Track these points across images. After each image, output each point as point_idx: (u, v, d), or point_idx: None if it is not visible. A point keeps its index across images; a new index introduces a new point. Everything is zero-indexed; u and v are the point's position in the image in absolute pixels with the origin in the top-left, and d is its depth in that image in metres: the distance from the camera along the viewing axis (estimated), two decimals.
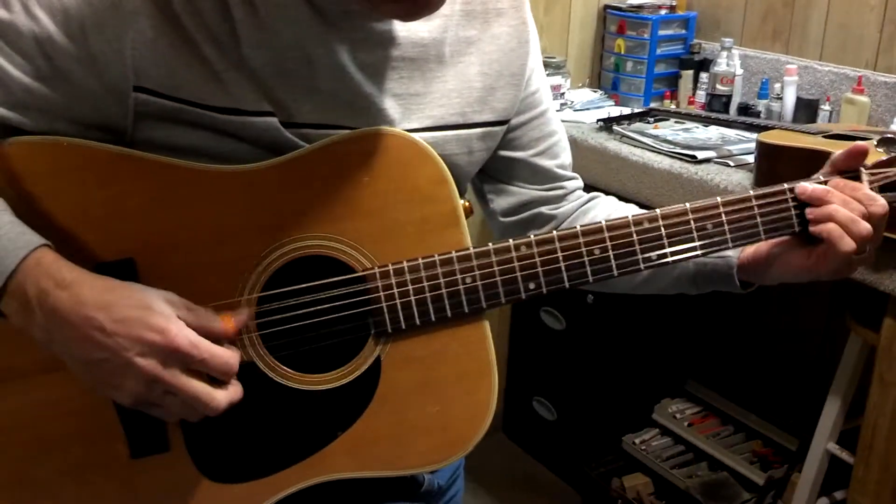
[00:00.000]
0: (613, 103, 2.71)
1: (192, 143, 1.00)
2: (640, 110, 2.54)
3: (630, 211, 1.12)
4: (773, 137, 2.00)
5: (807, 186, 1.03)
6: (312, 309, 1.00)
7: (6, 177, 0.96)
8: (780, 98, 2.48)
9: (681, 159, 2.19)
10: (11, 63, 0.95)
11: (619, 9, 2.72)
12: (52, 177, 0.96)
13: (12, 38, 0.95)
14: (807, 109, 2.42)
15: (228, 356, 0.92)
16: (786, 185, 1.04)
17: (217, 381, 0.93)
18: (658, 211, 1.03)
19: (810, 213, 1.03)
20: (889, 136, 1.10)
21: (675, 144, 2.25)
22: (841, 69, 2.44)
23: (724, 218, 1.03)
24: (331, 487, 1.02)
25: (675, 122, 2.46)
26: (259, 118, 1.00)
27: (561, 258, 1.02)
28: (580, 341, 2.59)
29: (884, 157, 1.05)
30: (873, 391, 1.88)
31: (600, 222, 1.03)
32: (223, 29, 0.98)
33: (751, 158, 2.14)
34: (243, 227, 0.99)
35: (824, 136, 1.95)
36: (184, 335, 0.90)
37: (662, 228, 1.03)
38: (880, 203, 1.01)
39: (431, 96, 1.09)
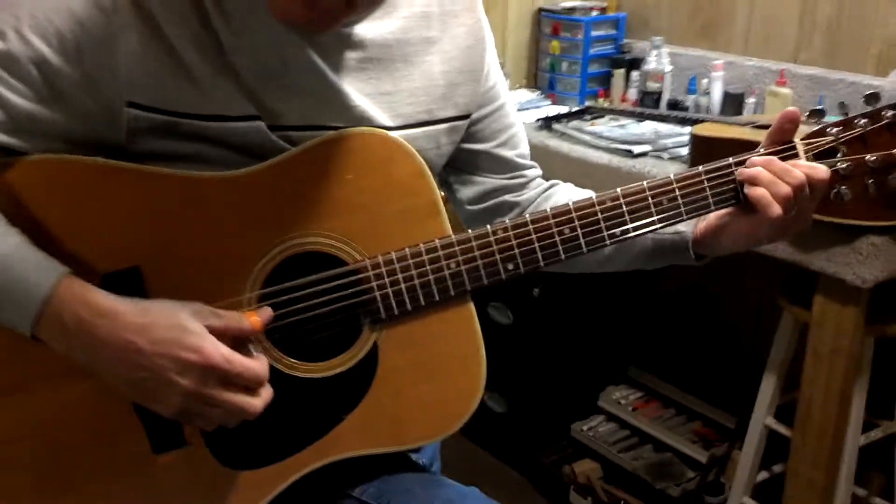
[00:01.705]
0: (550, 102, 2.79)
1: (184, 152, 1.05)
2: (578, 108, 2.62)
3: (588, 195, 1.21)
4: (706, 130, 2.11)
5: (755, 159, 1.11)
6: (311, 302, 1.06)
7: (10, 197, 1.00)
8: (708, 93, 2.57)
9: (618, 154, 2.28)
10: (12, 91, 0.99)
11: (553, 11, 2.80)
12: (53, 193, 1.01)
13: (10, 67, 0.99)
14: (733, 103, 2.52)
15: (258, 366, 0.99)
16: (731, 160, 1.12)
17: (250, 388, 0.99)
18: (619, 190, 1.11)
19: (739, 175, 1.11)
20: (817, 108, 1.19)
21: (612, 140, 2.33)
22: (764, 63, 2.54)
23: (677, 193, 1.11)
24: (338, 466, 1.08)
25: (611, 118, 2.54)
26: (245, 123, 1.05)
27: (535, 239, 1.09)
28: (527, 335, 2.65)
29: (815, 129, 1.15)
30: (807, 365, 1.97)
31: (567, 204, 1.10)
32: (204, 37, 1.03)
33: (684, 151, 2.24)
34: (239, 229, 1.05)
35: (752, 127, 2.06)
36: (218, 352, 0.96)
37: (624, 206, 1.11)
38: (820, 170, 1.09)
39: (400, 95, 1.16)
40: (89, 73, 1.00)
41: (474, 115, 1.25)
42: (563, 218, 1.09)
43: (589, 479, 2.55)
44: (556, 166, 2.40)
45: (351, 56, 1.11)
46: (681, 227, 1.19)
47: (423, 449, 1.27)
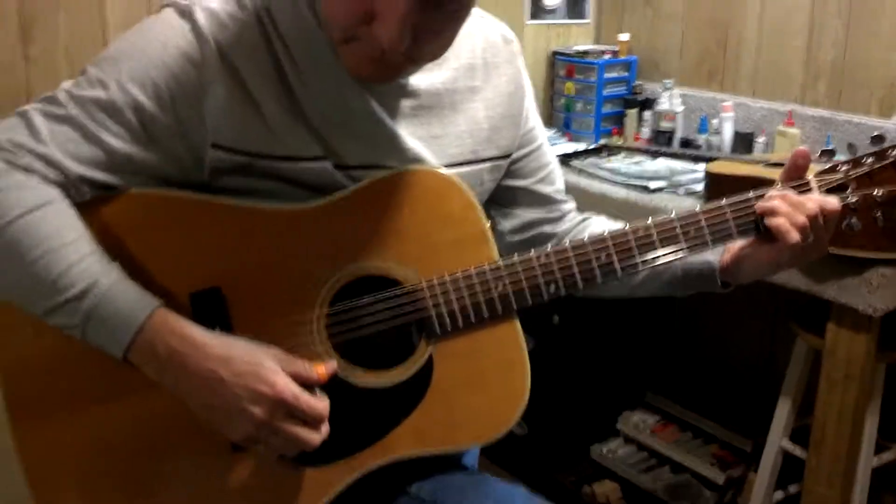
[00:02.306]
0: (567, 141, 2.89)
1: (259, 188, 1.17)
2: (594, 146, 2.73)
3: (621, 226, 1.31)
4: (719, 168, 2.21)
5: (773, 192, 1.21)
6: (374, 318, 1.17)
7: (110, 226, 1.13)
8: (719, 132, 2.67)
9: (635, 189, 2.37)
10: (112, 135, 1.11)
11: (567, 54, 2.91)
12: (147, 222, 1.14)
13: (112, 113, 1.11)
14: (744, 142, 2.62)
15: (321, 406, 1.09)
16: (751, 193, 1.22)
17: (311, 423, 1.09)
18: (650, 220, 1.21)
19: (758, 208, 1.20)
20: (828, 148, 1.30)
21: (629, 176, 2.44)
22: (772, 104, 2.65)
23: (703, 223, 1.21)
24: (396, 466, 1.19)
25: (625, 156, 2.65)
26: (315, 163, 1.17)
27: (575, 265, 1.20)
28: (547, 360, 2.72)
29: (827, 166, 1.26)
30: (821, 390, 2.02)
31: (604, 231, 1.20)
32: (280, 88, 1.15)
33: (698, 187, 2.34)
34: (308, 255, 1.16)
35: (765, 165, 2.16)
36: (289, 389, 1.07)
37: (655, 234, 1.21)
38: (831, 202, 1.19)
39: (448, 138, 1.28)
40: (180, 119, 1.12)
41: (514, 155, 1.36)
42: (600, 245, 1.20)
43: (608, 499, 2.61)
44: (577, 200, 2.49)
45: (405, 104, 1.23)
46: (708, 256, 1.29)
47: (466, 454, 1.37)
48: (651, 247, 1.21)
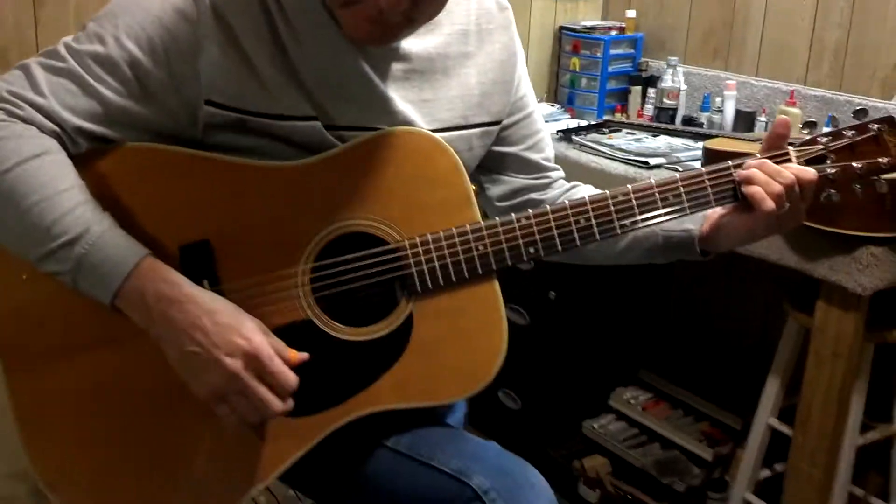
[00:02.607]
0: (570, 116, 2.90)
1: (251, 146, 1.20)
2: (596, 122, 2.74)
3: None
4: (718, 144, 2.23)
5: (751, 161, 1.24)
6: (357, 275, 1.20)
7: (105, 178, 1.16)
8: (721, 111, 2.69)
9: (635, 165, 2.39)
10: (109, 88, 1.14)
11: (574, 30, 2.92)
12: (140, 175, 1.17)
13: (109, 68, 1.14)
14: (745, 120, 2.63)
15: (291, 376, 1.12)
16: (730, 162, 1.25)
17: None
18: (629, 186, 1.24)
19: (737, 174, 1.23)
20: (810, 119, 1.32)
21: (629, 152, 2.46)
22: (775, 84, 2.66)
23: (682, 190, 1.24)
24: (375, 419, 1.22)
25: (627, 132, 2.67)
26: (306, 122, 1.20)
27: (554, 227, 1.22)
28: (542, 336, 2.75)
29: (807, 138, 1.28)
30: (809, 367, 2.05)
31: (584, 197, 1.23)
32: (274, 48, 1.18)
33: (697, 164, 2.36)
34: (296, 211, 1.19)
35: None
36: (266, 348, 1.10)
37: (634, 200, 1.23)
38: (808, 171, 1.22)
39: (439, 102, 1.30)
40: (175, 74, 1.15)
41: (505, 122, 1.39)
42: (580, 209, 1.23)
43: (598, 474, 2.64)
44: (576, 176, 2.49)
45: (397, 67, 1.26)
46: (688, 225, 1.32)
47: (452, 412, 1.40)
48: (629, 212, 1.23)
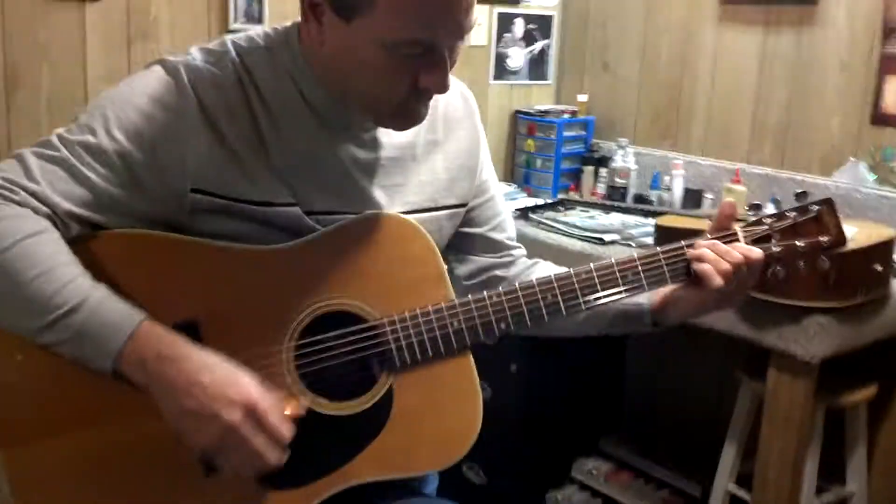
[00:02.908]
0: (526, 195, 3.00)
1: (236, 230, 1.26)
2: (552, 200, 2.85)
3: (566, 270, 1.40)
4: (668, 221, 2.33)
5: (701, 242, 1.32)
6: (338, 351, 1.26)
7: (96, 262, 1.21)
8: (670, 189, 2.81)
9: (591, 241, 2.50)
10: (99, 176, 1.21)
11: (529, 113, 3.05)
12: (130, 260, 1.22)
13: (99, 157, 1.21)
14: (693, 198, 2.76)
15: (286, 429, 1.17)
16: (683, 242, 1.34)
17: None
18: (592, 265, 1.32)
19: (689, 254, 1.31)
20: (755, 203, 1.42)
21: (584, 229, 2.56)
22: (720, 163, 2.79)
23: (640, 268, 1.32)
24: (357, 490, 1.27)
25: (581, 210, 2.77)
26: (286, 208, 1.27)
27: (523, 303, 1.30)
28: (505, 409, 2.78)
29: (753, 219, 1.38)
30: (763, 432, 2.14)
31: (550, 275, 1.31)
32: (254, 139, 1.26)
33: (649, 239, 2.46)
34: (279, 292, 1.25)
35: (710, 219, 2.29)
36: (263, 399, 1.15)
37: (596, 278, 1.31)
38: (755, 251, 1.31)
39: (409, 186, 1.38)
40: (161, 164, 1.22)
41: (471, 204, 1.47)
42: (546, 287, 1.30)
43: None
44: (535, 252, 2.56)
45: (371, 156, 1.34)
46: (640, 299, 1.40)
47: (426, 486, 1.45)
48: (593, 289, 1.31)
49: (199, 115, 1.23)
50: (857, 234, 1.95)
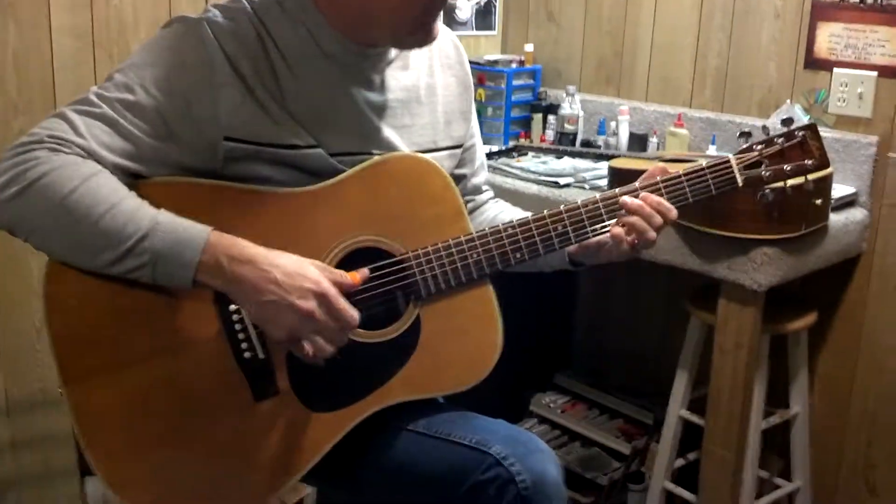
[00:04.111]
0: None
1: (266, 174, 1.35)
2: (507, 147, 2.93)
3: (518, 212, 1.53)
4: (621, 163, 2.42)
5: (626, 200, 1.42)
6: (369, 285, 1.35)
7: None
8: (616, 134, 2.91)
9: (546, 185, 2.58)
10: (139, 130, 1.28)
11: (478, 63, 3.11)
12: (172, 206, 1.29)
13: (138, 112, 1.28)
14: (639, 141, 2.86)
15: (355, 313, 1.27)
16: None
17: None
18: (597, 195, 1.43)
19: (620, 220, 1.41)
20: (745, 131, 1.51)
21: (539, 174, 2.65)
22: (663, 108, 2.90)
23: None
24: (392, 409, 1.37)
25: (533, 156, 2.86)
26: (311, 150, 1.35)
27: (535, 234, 1.40)
28: None
29: (744, 146, 1.48)
30: (715, 359, 2.26)
31: (560, 207, 1.40)
32: (275, 87, 1.34)
33: (601, 182, 2.56)
34: (311, 230, 1.34)
35: (659, 160, 2.40)
36: (331, 287, 1.24)
37: (602, 208, 1.42)
38: (674, 212, 1.42)
39: (414, 128, 1.47)
40: (196, 116, 1.30)
41: (465, 145, 1.56)
42: (556, 217, 1.41)
43: None
44: (494, 195, 2.69)
45: (381, 98, 1.43)
46: None
47: None
48: (598, 218, 1.42)
49: (227, 67, 1.30)
50: None
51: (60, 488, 2.43)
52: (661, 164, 1.46)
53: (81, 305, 1.26)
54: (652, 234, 1.38)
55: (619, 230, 1.39)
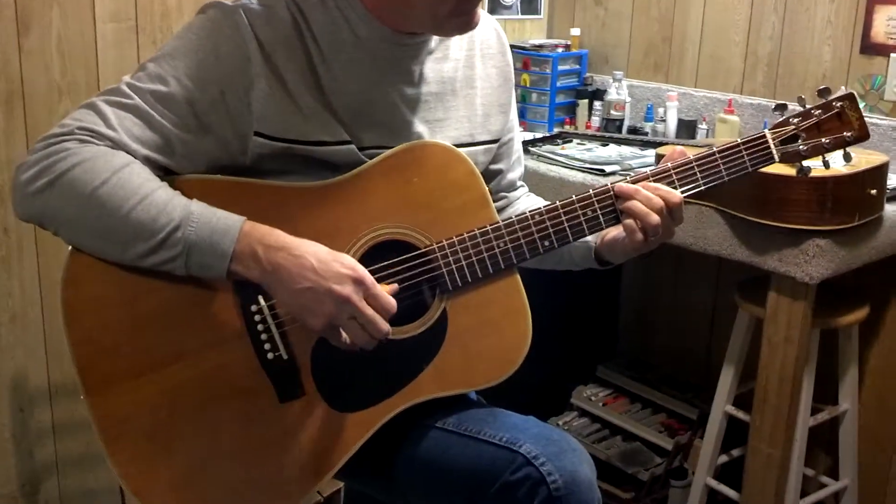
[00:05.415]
0: (523, 129, 3.01)
1: (295, 170, 1.31)
2: (550, 134, 2.87)
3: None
4: (670, 150, 2.38)
5: (622, 186, 1.37)
6: (394, 279, 1.31)
7: None
8: (664, 120, 2.84)
9: (591, 173, 2.52)
10: (171, 123, 1.25)
11: (523, 48, 3.06)
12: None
13: (170, 104, 1.25)
14: (687, 128, 2.79)
15: (391, 299, 1.24)
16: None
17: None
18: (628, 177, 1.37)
19: (619, 208, 1.36)
20: (781, 102, 1.43)
21: (584, 161, 2.59)
22: (713, 94, 2.83)
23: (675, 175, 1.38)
24: (420, 407, 1.33)
25: (578, 143, 2.79)
26: (341, 146, 1.32)
27: (564, 220, 1.35)
28: None
29: (780, 119, 1.40)
30: (763, 354, 2.19)
31: (589, 191, 1.35)
32: (310, 78, 1.30)
33: (646, 170, 2.51)
34: (335, 223, 1.31)
35: (709, 148, 2.34)
36: (367, 273, 1.22)
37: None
38: (677, 195, 1.36)
39: (449, 121, 1.43)
40: (229, 110, 1.27)
41: (502, 140, 1.51)
42: (586, 202, 1.35)
43: None
44: (536, 183, 2.63)
45: (416, 91, 1.38)
46: (588, 239, 1.45)
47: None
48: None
49: (261, 57, 1.27)
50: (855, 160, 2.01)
51: (101, 474, 2.45)
52: (680, 148, 1.40)
53: (100, 311, 1.24)
54: (654, 217, 1.32)
55: (629, 220, 1.33)
